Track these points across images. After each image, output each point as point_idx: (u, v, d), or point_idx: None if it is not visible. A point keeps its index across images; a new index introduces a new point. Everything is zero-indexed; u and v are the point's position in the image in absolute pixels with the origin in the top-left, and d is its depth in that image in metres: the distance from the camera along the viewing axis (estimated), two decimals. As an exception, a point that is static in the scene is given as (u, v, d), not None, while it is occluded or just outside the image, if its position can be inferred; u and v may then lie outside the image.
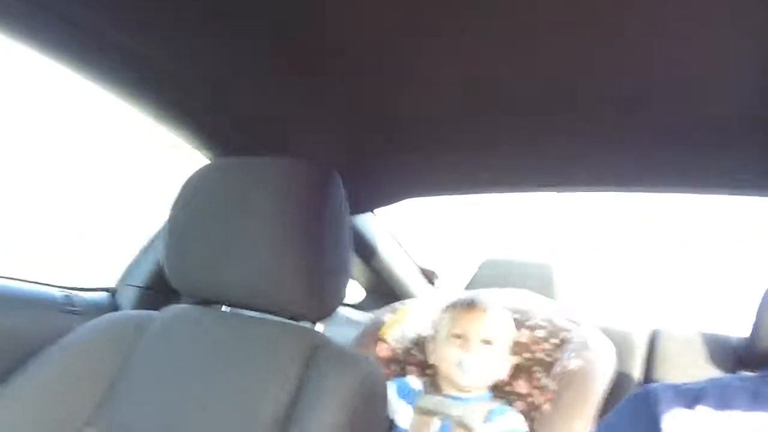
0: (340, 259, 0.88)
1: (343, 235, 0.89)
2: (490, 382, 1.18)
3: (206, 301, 0.95)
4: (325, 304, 0.88)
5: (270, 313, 0.90)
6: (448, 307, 1.24)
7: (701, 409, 0.42)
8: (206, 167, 0.95)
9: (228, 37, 0.91)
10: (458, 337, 1.16)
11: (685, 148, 1.09)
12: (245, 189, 0.87)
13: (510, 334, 1.22)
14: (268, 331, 0.87)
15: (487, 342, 1.15)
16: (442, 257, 2.18)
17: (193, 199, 0.92)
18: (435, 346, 1.21)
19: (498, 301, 1.25)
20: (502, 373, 1.19)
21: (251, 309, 0.91)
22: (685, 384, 0.47)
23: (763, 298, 1.32)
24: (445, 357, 1.16)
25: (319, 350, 0.84)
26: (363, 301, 1.83)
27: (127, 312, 0.99)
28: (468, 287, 1.59)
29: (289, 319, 0.90)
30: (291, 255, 0.82)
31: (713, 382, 0.46)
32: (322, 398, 0.77)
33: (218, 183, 0.91)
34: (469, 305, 1.20)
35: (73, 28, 0.85)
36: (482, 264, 1.63)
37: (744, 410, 0.40)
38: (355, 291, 1.83)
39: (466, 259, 1.87)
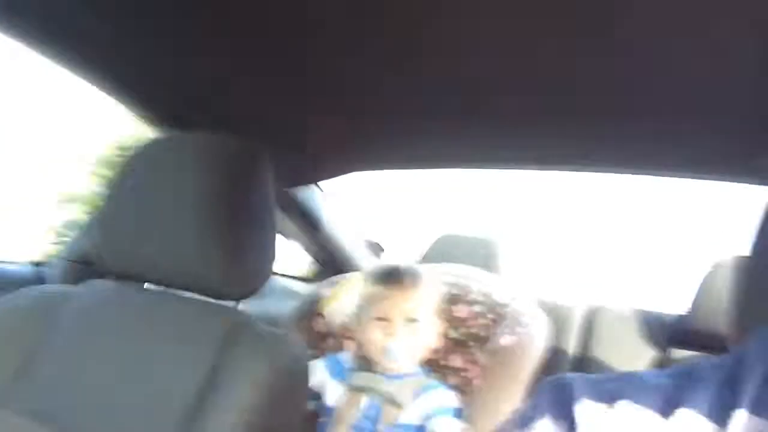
0: (263, 238, 0.87)
1: (266, 214, 0.87)
2: (420, 357, 1.17)
3: (129, 277, 0.93)
4: (247, 283, 0.86)
5: (192, 291, 0.88)
6: (368, 277, 1.20)
7: (616, 407, 0.41)
8: (145, 143, 0.93)
9: (170, 15, 0.89)
10: (382, 319, 1.12)
11: (645, 131, 1.09)
12: (175, 165, 0.86)
13: (434, 299, 1.18)
14: (186, 309, 0.85)
15: (412, 320, 1.12)
16: (392, 232, 2.18)
17: (129, 174, 0.90)
18: (360, 326, 1.18)
19: (428, 273, 1.21)
20: (432, 343, 1.17)
21: (173, 287, 0.89)
22: (601, 378, 0.46)
23: (703, 282, 1.35)
24: (371, 341, 1.13)
25: (237, 330, 0.82)
26: (316, 274, 1.82)
27: (45, 286, 0.96)
28: (422, 262, 1.60)
29: (213, 297, 0.88)
30: (211, 232, 0.81)
31: (631, 380, 0.45)
32: (237, 381, 0.75)
33: (153, 159, 0.90)
34: (389, 280, 1.15)
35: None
36: (437, 239, 1.64)
37: (654, 412, 0.40)
38: (304, 263, 1.82)
39: (416, 234, 1.87)
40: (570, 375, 0.47)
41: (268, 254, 0.89)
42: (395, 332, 1.11)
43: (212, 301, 0.88)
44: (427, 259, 1.61)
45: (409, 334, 1.12)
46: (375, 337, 1.12)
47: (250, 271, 0.86)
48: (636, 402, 0.40)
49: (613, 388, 0.43)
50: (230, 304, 0.90)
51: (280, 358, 0.79)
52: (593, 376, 0.47)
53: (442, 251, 1.61)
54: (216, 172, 0.83)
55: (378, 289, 1.15)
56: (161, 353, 0.81)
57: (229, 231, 0.82)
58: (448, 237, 1.66)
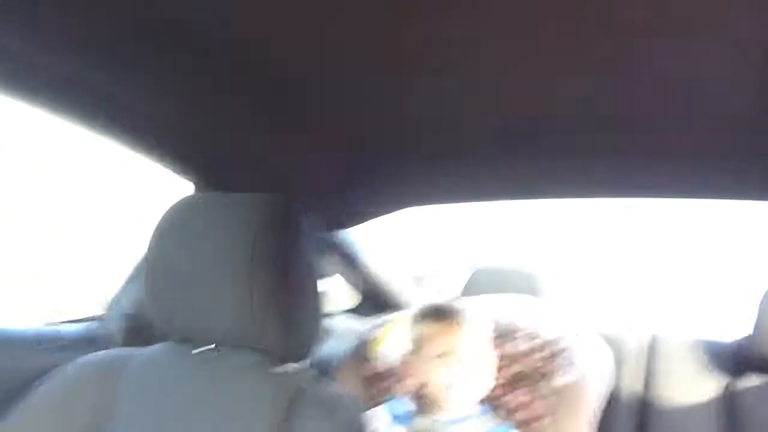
0: (314, 296, 0.89)
1: (313, 273, 0.89)
2: (482, 394, 1.13)
3: (190, 339, 0.94)
4: (303, 344, 0.88)
5: (249, 354, 0.89)
6: (417, 317, 1.17)
7: None
8: (181, 202, 0.94)
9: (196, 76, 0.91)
10: (443, 356, 1.09)
11: (684, 154, 1.08)
12: (220, 225, 0.87)
13: (488, 334, 1.15)
14: (247, 376, 0.86)
15: (473, 356, 1.09)
16: (434, 265, 2.17)
17: (171, 231, 0.91)
18: (419, 365, 1.14)
19: (473, 307, 1.18)
20: (492, 380, 1.13)
21: (233, 348, 0.90)
22: None
23: (763, 299, 1.30)
24: (433, 380, 1.10)
25: (299, 395, 0.83)
26: (359, 306, 1.82)
27: (110, 352, 0.97)
28: (462, 296, 1.58)
29: (271, 361, 0.89)
30: (263, 296, 0.82)
31: None
32: None
33: (196, 217, 0.91)
34: (441, 316, 1.13)
35: (47, 73, 0.83)
36: (474, 273, 1.62)
37: None
38: (351, 297, 1.82)
39: (458, 267, 1.86)
40: None
41: (320, 312, 0.91)
42: (458, 368, 1.08)
43: (273, 363, 0.89)
44: (466, 293, 1.59)
45: (472, 369, 1.09)
46: (437, 374, 1.09)
47: (305, 330, 0.87)
48: None
49: None
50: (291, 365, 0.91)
51: (347, 425, 0.80)
52: None
53: (480, 285, 1.59)
54: (265, 232, 0.84)
55: (433, 327, 1.12)
56: (225, 417, 0.82)
57: (282, 292, 0.84)
58: (486, 270, 1.64)
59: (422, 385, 1.14)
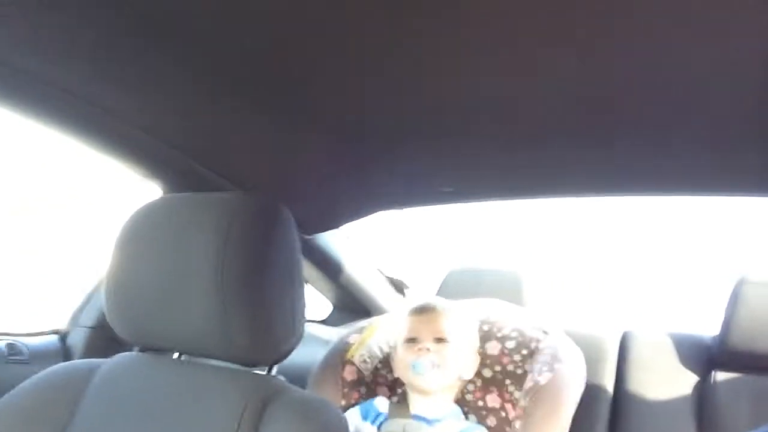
0: (291, 298, 0.84)
1: (293, 274, 0.84)
2: (453, 380, 1.16)
3: (152, 348, 0.91)
4: (279, 347, 0.83)
5: (221, 360, 0.85)
6: (406, 314, 1.23)
7: None
8: (148, 205, 0.90)
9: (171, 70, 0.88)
10: (411, 340, 1.15)
11: (674, 151, 1.07)
12: (186, 227, 0.82)
13: (471, 332, 1.22)
14: (218, 381, 0.82)
15: (441, 340, 1.14)
16: (411, 267, 2.15)
17: (134, 238, 0.87)
18: (395, 355, 1.21)
19: (461, 308, 1.24)
20: (467, 373, 1.18)
21: (200, 356, 0.87)
22: None
23: (731, 296, 1.31)
24: (400, 363, 1.17)
25: (273, 401, 0.79)
26: (331, 316, 1.79)
27: (73, 363, 0.93)
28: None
29: (243, 364, 0.86)
30: (235, 298, 0.77)
31: None
32: None
33: (160, 221, 0.86)
34: (422, 309, 1.20)
35: (12, 71, 0.80)
36: (449, 274, 1.60)
37: None
38: (322, 306, 1.79)
39: (435, 269, 1.84)
40: None
41: (298, 314, 0.86)
42: (422, 349, 1.12)
43: (243, 369, 0.86)
44: (441, 294, 1.57)
45: (437, 351, 1.12)
46: (404, 357, 1.15)
47: (280, 334, 0.83)
48: None
49: None
50: (262, 371, 0.88)
51: (320, 427, 0.77)
52: None
53: (457, 285, 1.57)
54: (234, 233, 0.78)
55: (411, 318, 1.19)
56: (194, 427, 0.79)
57: (253, 296, 0.79)
58: (461, 271, 1.62)
59: (395, 367, 1.20)
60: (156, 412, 0.81)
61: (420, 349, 1.12)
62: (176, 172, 1.14)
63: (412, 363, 1.12)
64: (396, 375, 1.22)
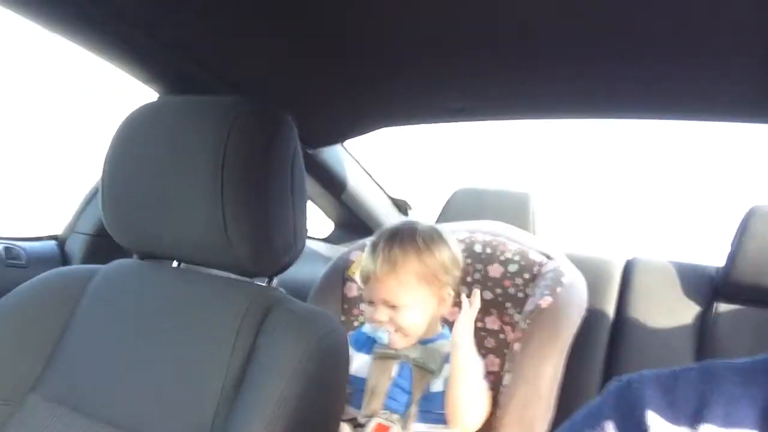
0: (293, 209, 0.82)
1: (294, 183, 0.81)
2: (424, 325, 1.09)
3: (151, 255, 0.89)
4: (278, 259, 0.82)
5: (220, 269, 0.84)
6: (369, 245, 1.12)
7: (705, 430, 0.35)
8: (145, 106, 0.86)
9: None
10: (370, 303, 1.09)
11: (680, 73, 1.02)
12: (185, 131, 0.79)
13: (430, 270, 1.07)
14: (217, 290, 0.81)
15: (392, 306, 1.06)
16: (415, 187, 2.12)
17: (131, 142, 0.83)
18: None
19: (434, 233, 1.10)
20: (441, 311, 1.11)
21: (199, 264, 0.85)
22: (678, 387, 0.39)
23: (739, 228, 1.29)
24: (371, 322, 1.10)
25: (272, 310, 0.78)
26: (332, 234, 1.78)
27: (71, 267, 0.93)
28: (440, 218, 1.54)
29: (243, 275, 0.84)
30: (234, 207, 0.75)
31: (716, 390, 0.38)
32: (275, 365, 0.72)
33: (157, 124, 0.82)
34: (378, 256, 1.06)
35: None
36: (454, 194, 1.57)
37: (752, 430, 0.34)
38: (324, 224, 1.77)
39: (440, 189, 1.81)
40: (636, 380, 0.42)
41: (299, 226, 0.84)
42: (379, 319, 1.06)
43: (242, 279, 0.85)
44: (445, 215, 1.55)
45: (392, 318, 1.06)
46: (367, 315, 1.11)
47: (280, 245, 0.81)
48: (727, 420, 0.35)
49: (695, 406, 0.38)
50: (262, 281, 0.86)
51: (321, 340, 0.76)
52: (665, 376, 0.41)
53: (460, 207, 1.54)
54: (235, 139, 0.75)
55: (366, 267, 1.09)
56: (193, 336, 0.78)
57: (254, 205, 0.77)
58: (467, 191, 1.58)
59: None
60: (154, 317, 0.81)
61: (377, 320, 1.06)
62: (177, 76, 1.08)
63: (377, 331, 1.08)
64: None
